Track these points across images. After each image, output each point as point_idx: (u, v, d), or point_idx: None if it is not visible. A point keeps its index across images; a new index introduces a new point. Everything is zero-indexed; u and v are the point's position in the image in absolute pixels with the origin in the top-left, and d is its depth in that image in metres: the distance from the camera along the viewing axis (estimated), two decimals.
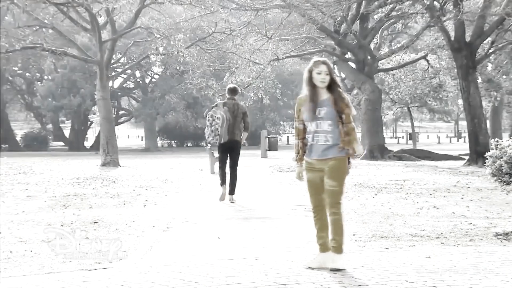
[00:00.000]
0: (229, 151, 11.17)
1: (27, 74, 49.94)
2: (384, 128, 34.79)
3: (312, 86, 5.69)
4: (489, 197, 11.76)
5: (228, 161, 11.28)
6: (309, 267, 5.62)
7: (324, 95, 5.69)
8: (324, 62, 5.70)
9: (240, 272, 5.53)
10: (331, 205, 5.64)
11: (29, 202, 11.73)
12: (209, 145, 11.94)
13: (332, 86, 5.68)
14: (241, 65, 26.20)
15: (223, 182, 11.23)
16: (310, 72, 5.69)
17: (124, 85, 52.32)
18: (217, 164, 12.53)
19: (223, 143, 10.97)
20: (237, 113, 10.92)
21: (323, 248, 5.72)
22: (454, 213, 9.71)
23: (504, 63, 33.97)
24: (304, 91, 5.77)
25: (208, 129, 10.93)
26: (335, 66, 28.54)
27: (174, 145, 53.42)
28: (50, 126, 51.89)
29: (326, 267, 5.60)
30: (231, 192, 11.15)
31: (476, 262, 5.90)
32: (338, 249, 5.63)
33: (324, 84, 5.66)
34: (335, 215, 5.64)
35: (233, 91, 11.08)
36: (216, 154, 12.80)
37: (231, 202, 11.09)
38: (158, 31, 25.49)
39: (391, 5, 25.42)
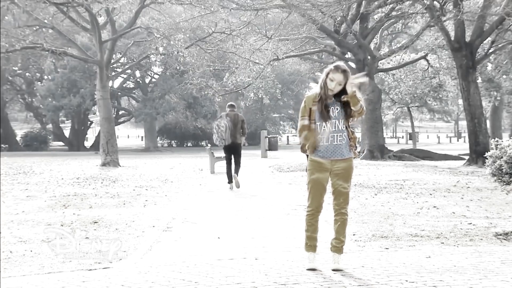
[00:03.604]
0: (232, 151, 13.88)
1: (27, 74, 49.86)
2: (384, 128, 34.77)
3: (325, 90, 5.61)
4: (489, 197, 11.76)
5: (233, 159, 13.99)
6: (310, 269, 5.60)
7: (332, 97, 5.64)
8: (343, 71, 5.52)
9: (240, 272, 5.53)
10: (341, 206, 5.64)
11: (29, 202, 11.73)
12: (209, 145, 13.74)
13: (343, 91, 5.56)
14: (241, 65, 26.19)
15: (230, 181, 13.86)
16: (327, 75, 5.58)
17: (124, 85, 52.23)
18: (217, 164, 18.72)
19: (227, 145, 13.67)
20: (237, 121, 13.71)
21: (314, 248, 5.69)
22: (454, 213, 9.71)
23: (504, 63, 33.94)
24: (314, 90, 5.70)
25: (215, 135, 13.66)
26: None
27: (174, 145, 53.40)
28: (50, 126, 51.83)
29: (322, 267, 5.61)
30: (236, 173, 13.78)
31: (476, 262, 5.90)
32: (341, 250, 5.65)
33: (332, 92, 5.58)
34: (344, 215, 5.65)
35: (232, 106, 14.13)
36: (216, 154, 18.18)
37: (237, 187, 13.66)
38: (158, 31, 25.48)
39: (391, 5, 25.41)
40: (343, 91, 5.59)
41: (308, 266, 5.62)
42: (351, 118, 5.67)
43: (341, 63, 5.70)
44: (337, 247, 5.63)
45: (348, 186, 5.66)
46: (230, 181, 13.85)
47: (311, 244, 5.69)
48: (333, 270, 5.53)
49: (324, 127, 5.61)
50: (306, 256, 5.71)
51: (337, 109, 5.62)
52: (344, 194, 5.64)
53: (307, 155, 5.79)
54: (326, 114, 5.58)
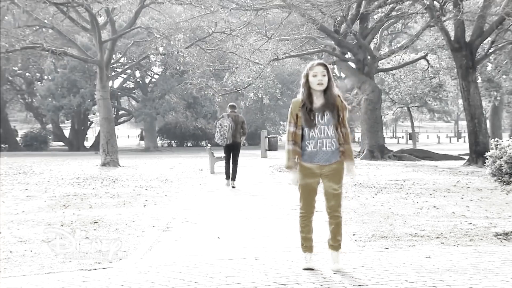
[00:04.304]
0: (232, 150, 14.40)
1: (27, 74, 49.84)
2: (384, 128, 34.77)
3: (308, 91, 5.56)
4: (489, 197, 11.76)
5: (231, 157, 14.52)
6: (306, 268, 5.61)
7: (321, 99, 5.57)
8: (319, 64, 5.56)
9: (240, 272, 5.53)
10: (334, 208, 5.62)
11: (29, 202, 11.73)
12: (209, 145, 14.12)
13: (328, 89, 5.55)
14: (241, 65, 26.19)
15: (227, 177, 14.41)
16: (306, 76, 5.56)
17: (124, 85, 52.20)
18: (217, 164, 19.08)
19: (228, 144, 14.20)
20: (238, 122, 14.27)
21: (310, 249, 5.71)
22: (454, 213, 9.71)
23: (504, 63, 33.95)
24: (300, 94, 5.65)
25: (217, 134, 14.17)
26: (335, 66, 28.54)
27: (174, 145, 53.39)
28: (50, 126, 51.82)
29: (319, 267, 5.61)
30: (233, 179, 14.38)
31: (476, 262, 5.90)
32: (338, 247, 5.67)
33: (322, 86, 5.51)
34: (337, 218, 5.63)
35: (233, 107, 14.61)
36: (216, 154, 18.67)
37: (232, 187, 14.21)
38: (158, 31, 25.48)
39: (391, 5, 25.41)
40: (330, 91, 5.53)
41: (304, 266, 5.63)
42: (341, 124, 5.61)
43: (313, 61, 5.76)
44: (334, 245, 5.65)
45: (339, 187, 5.61)
46: (227, 178, 14.40)
47: (307, 245, 5.70)
48: (333, 270, 5.53)
49: (312, 132, 5.56)
50: (303, 256, 5.72)
51: (326, 115, 5.54)
52: (336, 196, 5.60)
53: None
54: (314, 120, 5.52)
